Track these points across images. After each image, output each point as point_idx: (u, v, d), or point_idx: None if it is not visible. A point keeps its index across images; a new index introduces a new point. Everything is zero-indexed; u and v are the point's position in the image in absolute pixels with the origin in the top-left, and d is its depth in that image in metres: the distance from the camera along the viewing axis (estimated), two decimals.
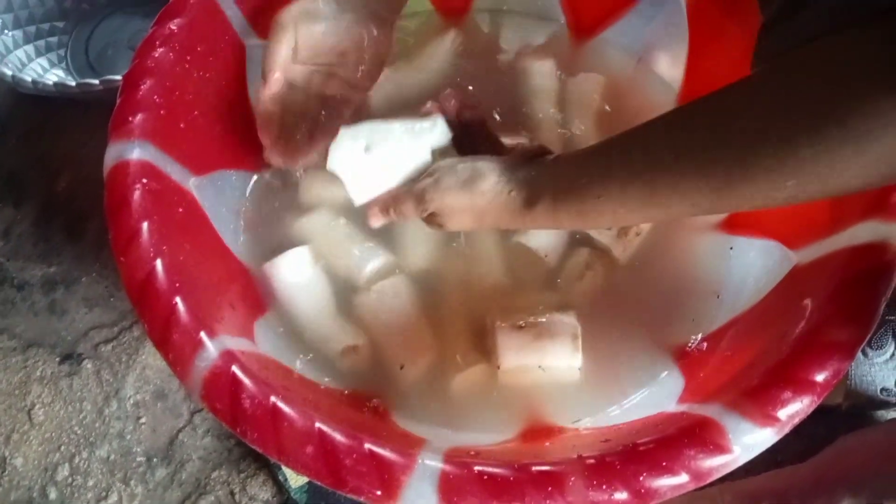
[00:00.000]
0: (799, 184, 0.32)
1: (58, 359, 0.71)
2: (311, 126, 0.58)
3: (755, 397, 0.40)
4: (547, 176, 0.46)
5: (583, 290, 0.59)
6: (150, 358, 0.70)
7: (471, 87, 0.73)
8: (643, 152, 0.39)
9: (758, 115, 0.33)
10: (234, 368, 0.44)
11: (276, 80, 0.56)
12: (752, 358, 0.46)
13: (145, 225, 0.49)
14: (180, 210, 0.56)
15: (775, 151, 0.32)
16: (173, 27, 0.59)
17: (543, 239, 0.61)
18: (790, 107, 0.32)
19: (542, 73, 0.73)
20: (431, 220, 0.50)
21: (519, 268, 0.61)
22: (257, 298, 0.61)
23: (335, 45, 0.56)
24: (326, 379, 0.57)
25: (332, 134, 0.53)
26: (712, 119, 0.36)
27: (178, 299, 0.46)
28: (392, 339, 0.58)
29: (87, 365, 0.70)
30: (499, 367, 0.52)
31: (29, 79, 0.71)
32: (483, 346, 0.56)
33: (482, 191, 0.47)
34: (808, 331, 0.43)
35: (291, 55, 0.55)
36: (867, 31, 0.30)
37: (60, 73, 0.86)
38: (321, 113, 0.59)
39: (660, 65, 0.74)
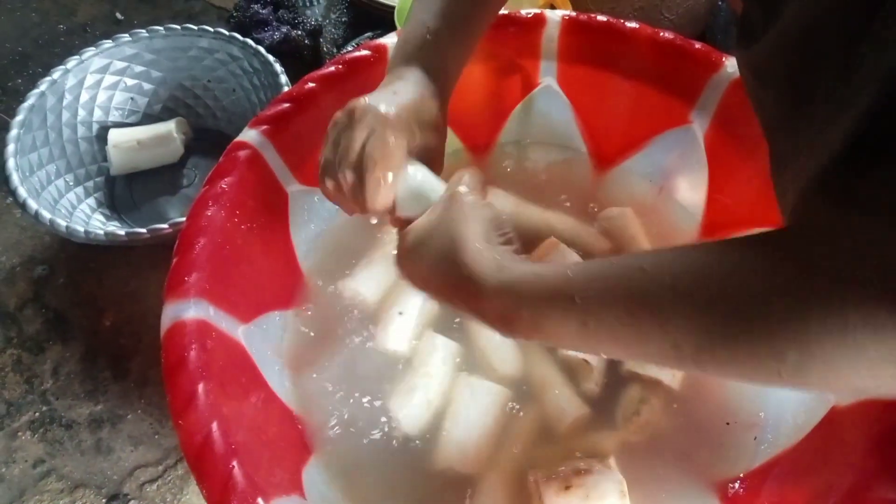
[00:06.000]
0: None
1: (104, 500, 0.71)
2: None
3: None
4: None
5: (640, 425, 0.60)
6: (195, 498, 0.71)
7: None
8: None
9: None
10: None
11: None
12: None
13: (201, 386, 0.51)
14: (232, 363, 0.58)
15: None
16: (224, 186, 0.63)
17: None
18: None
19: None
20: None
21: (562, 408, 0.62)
22: (303, 442, 0.62)
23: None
24: None
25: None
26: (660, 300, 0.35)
27: (234, 463, 0.48)
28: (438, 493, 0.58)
29: None
30: None
31: (81, 229, 0.75)
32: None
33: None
34: (855, 486, 0.44)
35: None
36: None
37: (106, 212, 0.91)
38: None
39: (681, 193, 0.77)
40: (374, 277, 0.72)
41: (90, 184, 0.93)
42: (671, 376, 0.63)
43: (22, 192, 0.79)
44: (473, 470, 0.59)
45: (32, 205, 0.78)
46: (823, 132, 0.33)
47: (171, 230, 0.76)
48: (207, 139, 1.01)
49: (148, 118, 0.99)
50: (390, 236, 0.76)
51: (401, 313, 0.68)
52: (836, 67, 0.33)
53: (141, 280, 0.87)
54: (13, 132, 0.84)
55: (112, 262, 0.88)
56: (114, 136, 0.92)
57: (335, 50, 1.07)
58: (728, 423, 0.62)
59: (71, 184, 0.90)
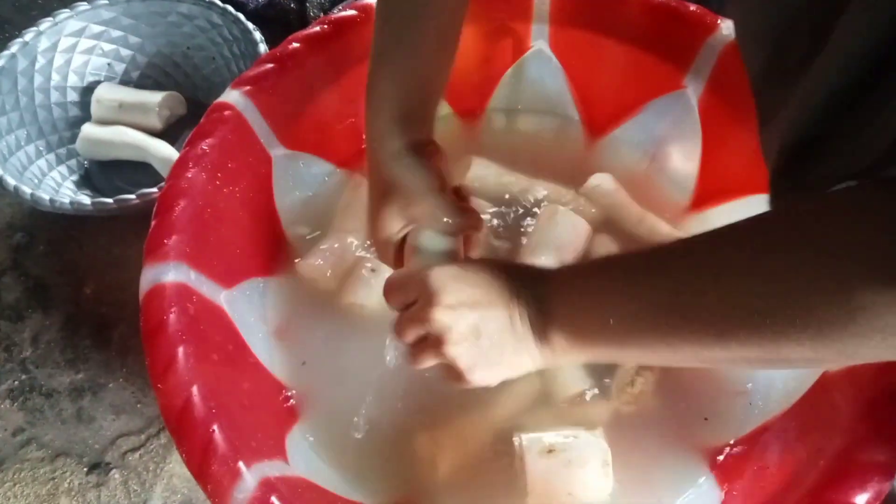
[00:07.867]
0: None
1: (85, 469, 0.70)
2: None
3: None
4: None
5: (634, 395, 0.60)
6: (177, 466, 0.70)
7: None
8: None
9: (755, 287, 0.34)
10: (273, 499, 0.44)
11: None
12: (790, 475, 0.46)
13: (181, 350, 0.50)
14: (213, 328, 0.56)
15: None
16: (205, 147, 0.61)
17: None
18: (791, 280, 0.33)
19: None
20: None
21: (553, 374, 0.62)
22: (287, 409, 0.61)
23: None
24: (360, 491, 0.57)
25: None
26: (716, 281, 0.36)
27: (215, 427, 0.47)
28: (425, 448, 0.58)
29: (115, 475, 0.70)
30: (528, 495, 0.53)
31: (47, 197, 0.73)
32: (511, 465, 0.56)
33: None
34: (844, 450, 0.43)
35: None
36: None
37: (77, 180, 0.89)
38: None
39: (674, 162, 0.75)
40: (333, 254, 0.70)
41: (63, 150, 0.90)
42: None
43: None
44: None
45: None
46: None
47: (138, 201, 0.74)
48: (187, 108, 0.98)
49: (126, 85, 0.96)
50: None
51: (372, 270, 0.67)
52: (807, 30, 0.35)
53: (123, 248, 0.85)
54: None
55: (94, 229, 0.86)
56: (101, 90, 0.90)
57: (321, 14, 1.05)
58: (715, 391, 0.61)
59: (42, 150, 0.88)
